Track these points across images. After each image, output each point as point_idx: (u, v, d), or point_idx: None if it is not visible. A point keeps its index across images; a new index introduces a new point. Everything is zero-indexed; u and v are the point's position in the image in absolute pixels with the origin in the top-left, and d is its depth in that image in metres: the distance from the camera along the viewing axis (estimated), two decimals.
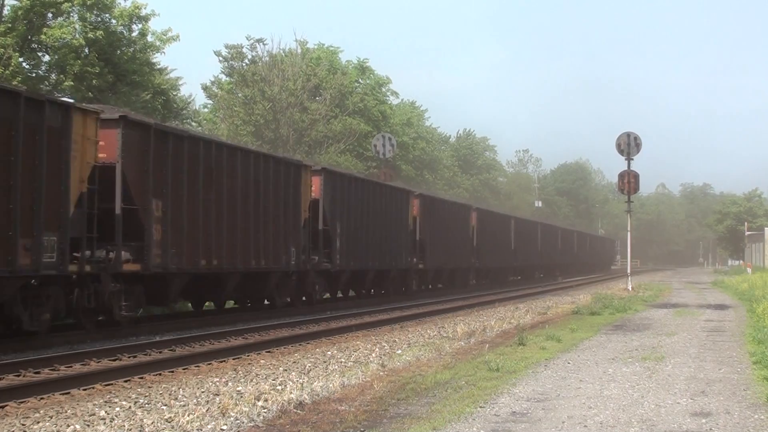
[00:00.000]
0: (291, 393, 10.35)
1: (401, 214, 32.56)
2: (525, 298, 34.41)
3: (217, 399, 10.17)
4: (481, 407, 9.43)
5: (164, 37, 32.14)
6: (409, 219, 33.26)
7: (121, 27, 30.21)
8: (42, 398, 10.74)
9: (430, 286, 38.59)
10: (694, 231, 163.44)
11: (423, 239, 34.59)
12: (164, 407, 9.83)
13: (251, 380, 11.90)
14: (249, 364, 14.17)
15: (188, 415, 9.02)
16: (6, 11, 27.86)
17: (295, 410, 9.45)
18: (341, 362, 14.06)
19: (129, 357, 14.37)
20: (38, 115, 14.40)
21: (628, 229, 40.97)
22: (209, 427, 8.69)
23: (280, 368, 13.29)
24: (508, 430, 8.36)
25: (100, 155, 16.22)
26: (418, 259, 34.26)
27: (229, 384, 11.53)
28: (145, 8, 30.31)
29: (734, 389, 10.79)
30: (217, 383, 11.60)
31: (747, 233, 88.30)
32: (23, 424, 9.06)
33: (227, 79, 50.29)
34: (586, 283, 55.06)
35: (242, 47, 48.64)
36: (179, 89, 37.02)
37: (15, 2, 27.63)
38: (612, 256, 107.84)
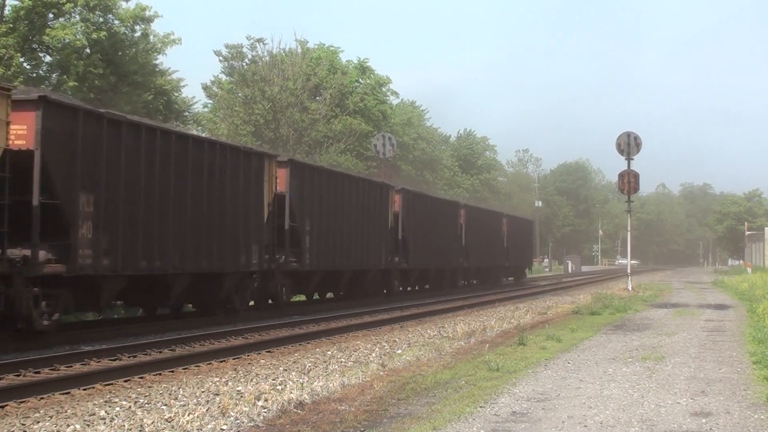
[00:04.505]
0: (291, 393, 10.36)
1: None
2: (525, 298, 34.40)
3: (217, 399, 10.17)
4: (481, 407, 9.43)
5: (166, 40, 32.19)
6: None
7: (125, 28, 30.26)
8: (42, 398, 10.74)
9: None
10: (694, 231, 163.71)
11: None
12: (164, 407, 9.84)
13: (251, 380, 11.90)
14: (249, 363, 14.18)
15: (188, 415, 9.02)
16: (7, 11, 27.86)
17: (295, 410, 9.46)
18: (341, 362, 14.07)
19: (129, 357, 14.37)
20: None
21: (628, 228, 41.00)
22: (209, 427, 8.69)
23: (280, 368, 13.30)
24: (509, 430, 8.36)
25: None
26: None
27: (229, 384, 11.53)
28: (149, 10, 30.39)
29: (734, 389, 10.79)
30: (217, 383, 11.61)
31: (747, 233, 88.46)
32: (23, 424, 9.07)
33: (227, 78, 50.31)
34: (586, 283, 55.04)
35: (242, 47, 48.71)
36: (181, 91, 36.99)
37: (16, 2, 27.66)
38: (528, 253, 58.49)
